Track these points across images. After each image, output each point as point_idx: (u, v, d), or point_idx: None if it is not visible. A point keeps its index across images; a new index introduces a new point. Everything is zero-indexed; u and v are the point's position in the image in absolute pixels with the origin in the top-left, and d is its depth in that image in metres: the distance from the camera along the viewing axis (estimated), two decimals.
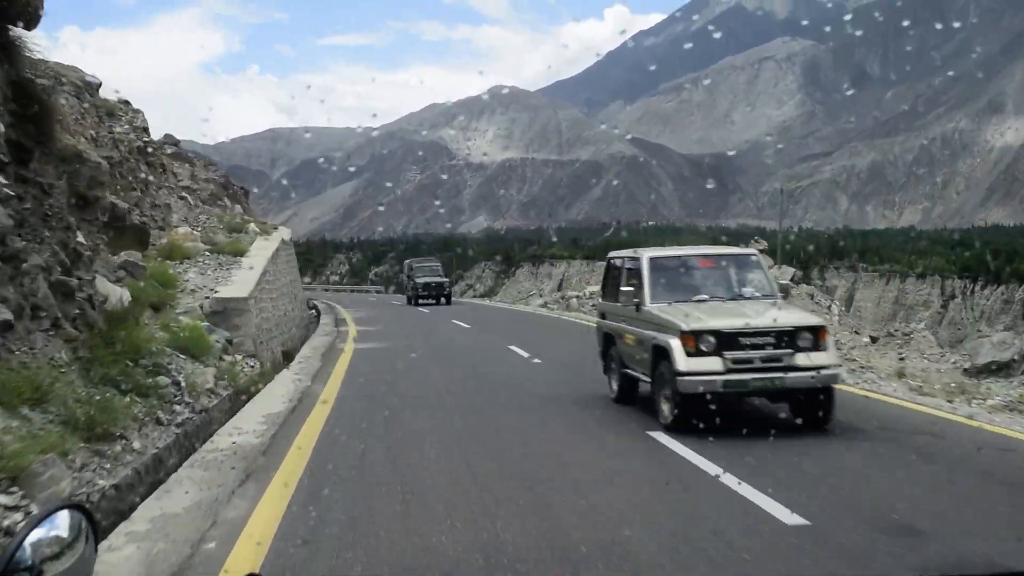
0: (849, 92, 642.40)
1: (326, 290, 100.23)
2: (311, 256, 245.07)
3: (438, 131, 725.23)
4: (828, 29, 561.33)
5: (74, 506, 1.41)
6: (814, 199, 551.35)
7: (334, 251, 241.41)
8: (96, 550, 1.45)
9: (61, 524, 1.36)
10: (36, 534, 1.32)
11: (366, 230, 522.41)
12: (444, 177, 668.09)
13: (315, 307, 43.67)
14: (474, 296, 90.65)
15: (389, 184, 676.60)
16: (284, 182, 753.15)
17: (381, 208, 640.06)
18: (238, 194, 33.51)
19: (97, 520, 1.40)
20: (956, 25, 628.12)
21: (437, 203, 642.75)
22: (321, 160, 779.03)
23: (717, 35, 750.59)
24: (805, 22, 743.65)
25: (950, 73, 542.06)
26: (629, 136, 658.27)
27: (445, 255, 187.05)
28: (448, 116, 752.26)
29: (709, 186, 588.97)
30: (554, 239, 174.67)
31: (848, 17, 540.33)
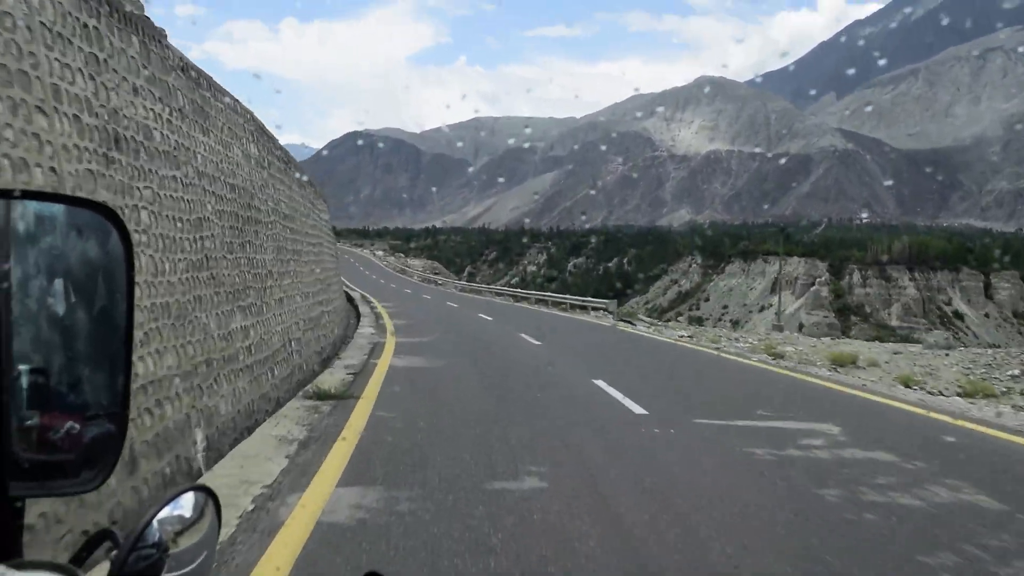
0: None
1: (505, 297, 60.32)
2: (509, 244, 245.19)
3: (642, 122, 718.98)
4: None
5: (200, 488, 1.50)
6: None
7: (533, 240, 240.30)
8: (219, 530, 1.52)
9: (188, 504, 1.45)
10: (164, 512, 1.40)
11: (565, 221, 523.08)
12: (646, 168, 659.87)
13: None
14: (669, 307, 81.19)
15: (591, 171, 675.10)
16: (483, 176, 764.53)
17: (591, 194, 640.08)
18: None
19: (220, 501, 1.48)
20: None
21: (642, 192, 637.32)
22: (527, 145, 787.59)
23: (942, 23, 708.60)
24: None
25: None
26: (841, 129, 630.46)
27: (647, 248, 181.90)
28: (652, 107, 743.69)
29: (938, 178, 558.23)
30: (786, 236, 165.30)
31: None
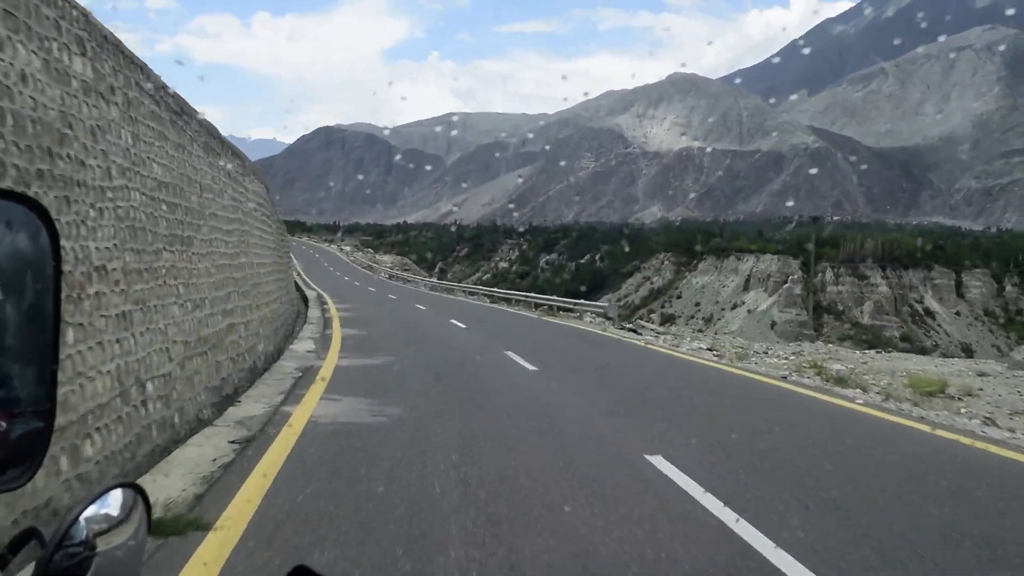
0: None
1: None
2: (481, 240, 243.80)
3: (614, 118, 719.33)
4: None
5: (128, 485, 1.45)
6: (1014, 198, 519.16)
7: (505, 236, 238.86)
8: (150, 528, 1.49)
9: (115, 502, 1.40)
10: (91, 510, 1.35)
11: (537, 217, 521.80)
12: (619, 165, 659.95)
13: None
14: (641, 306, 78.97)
15: (564, 167, 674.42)
16: (455, 172, 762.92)
17: (563, 190, 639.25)
18: None
19: (150, 499, 1.44)
20: None
21: (611, 190, 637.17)
22: (502, 137, 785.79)
23: (913, 22, 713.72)
24: (1011, 11, 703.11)
25: None
26: (813, 127, 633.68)
27: (617, 246, 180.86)
28: (625, 103, 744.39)
29: (909, 176, 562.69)
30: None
31: None
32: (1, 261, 1.53)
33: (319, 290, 50.04)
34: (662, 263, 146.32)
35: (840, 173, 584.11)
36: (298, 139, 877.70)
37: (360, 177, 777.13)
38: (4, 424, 1.42)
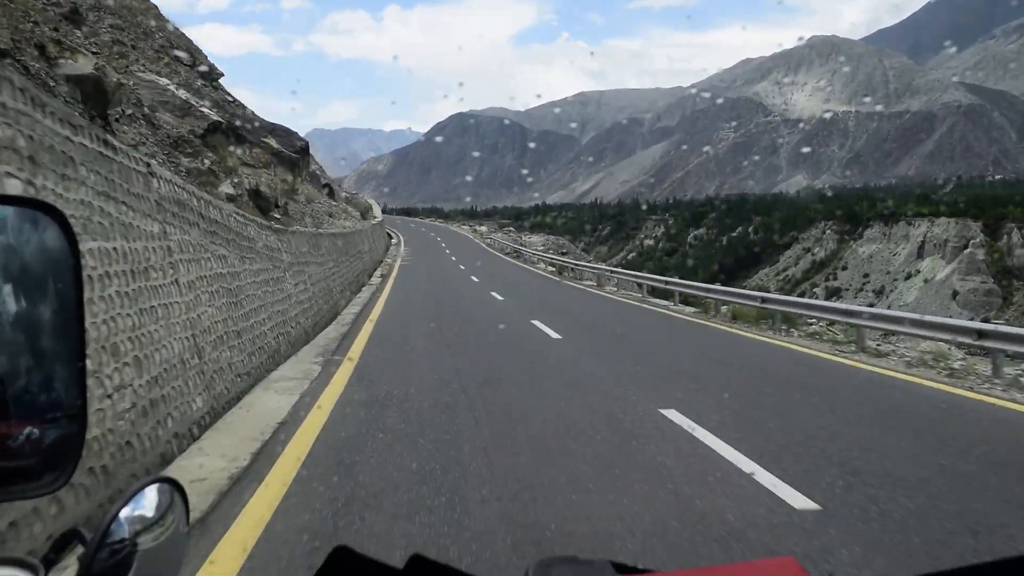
0: None
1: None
2: (623, 219, 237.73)
3: (752, 87, 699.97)
4: None
5: (166, 480, 1.50)
6: None
7: (649, 213, 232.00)
8: (188, 522, 1.51)
9: (152, 498, 1.45)
10: (130, 507, 1.40)
11: (677, 192, 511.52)
12: (759, 134, 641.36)
13: None
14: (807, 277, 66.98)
15: (705, 146, 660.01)
16: (591, 151, 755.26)
17: (703, 163, 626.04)
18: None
19: (187, 494, 1.48)
20: None
21: (756, 159, 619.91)
22: (625, 122, 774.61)
23: None
24: None
25: None
26: (964, 83, 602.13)
27: (770, 217, 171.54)
28: (763, 71, 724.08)
29: None
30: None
31: None
32: (24, 266, 1.56)
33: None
34: (823, 232, 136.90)
35: (997, 129, 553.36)
36: (432, 127, 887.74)
37: (495, 162, 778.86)
38: (37, 431, 1.46)
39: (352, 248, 31.14)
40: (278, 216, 21.27)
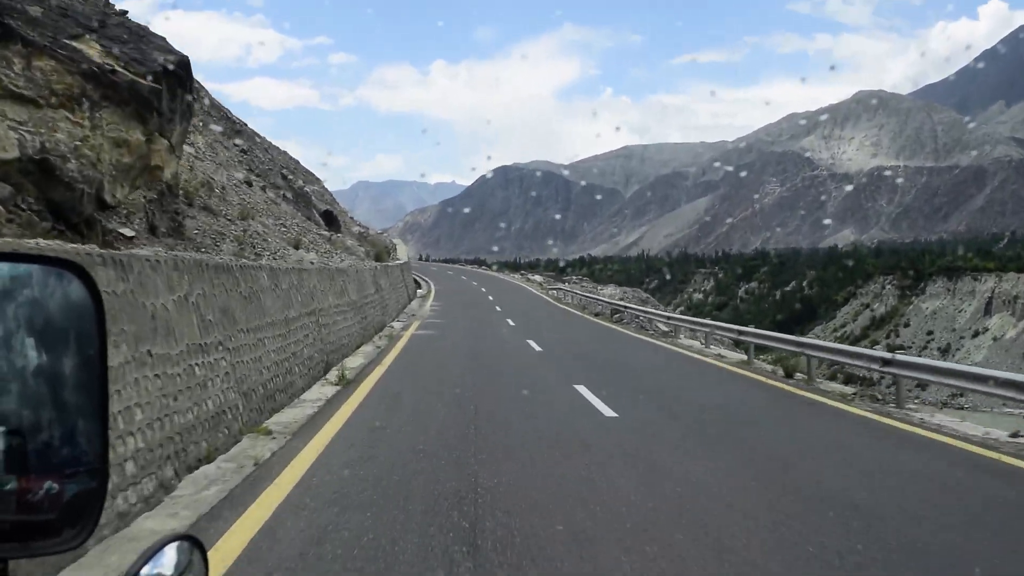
0: None
1: None
2: (672, 271, 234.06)
3: (798, 141, 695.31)
4: None
5: (187, 537, 1.46)
6: None
7: (698, 266, 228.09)
8: None
9: (173, 556, 1.41)
10: (149, 567, 1.38)
11: (722, 246, 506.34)
12: (805, 188, 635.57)
13: None
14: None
15: (747, 194, 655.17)
16: (634, 204, 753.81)
17: (748, 217, 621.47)
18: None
19: (207, 552, 1.42)
20: None
21: (802, 213, 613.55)
22: (669, 175, 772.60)
23: None
24: None
25: None
26: (1015, 138, 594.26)
27: (828, 270, 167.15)
28: (809, 125, 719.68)
29: None
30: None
31: None
32: (47, 325, 1.57)
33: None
34: (883, 287, 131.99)
35: None
36: (476, 180, 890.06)
37: (538, 214, 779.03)
38: (57, 487, 1.45)
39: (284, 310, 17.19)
40: (126, 231, 12.44)
